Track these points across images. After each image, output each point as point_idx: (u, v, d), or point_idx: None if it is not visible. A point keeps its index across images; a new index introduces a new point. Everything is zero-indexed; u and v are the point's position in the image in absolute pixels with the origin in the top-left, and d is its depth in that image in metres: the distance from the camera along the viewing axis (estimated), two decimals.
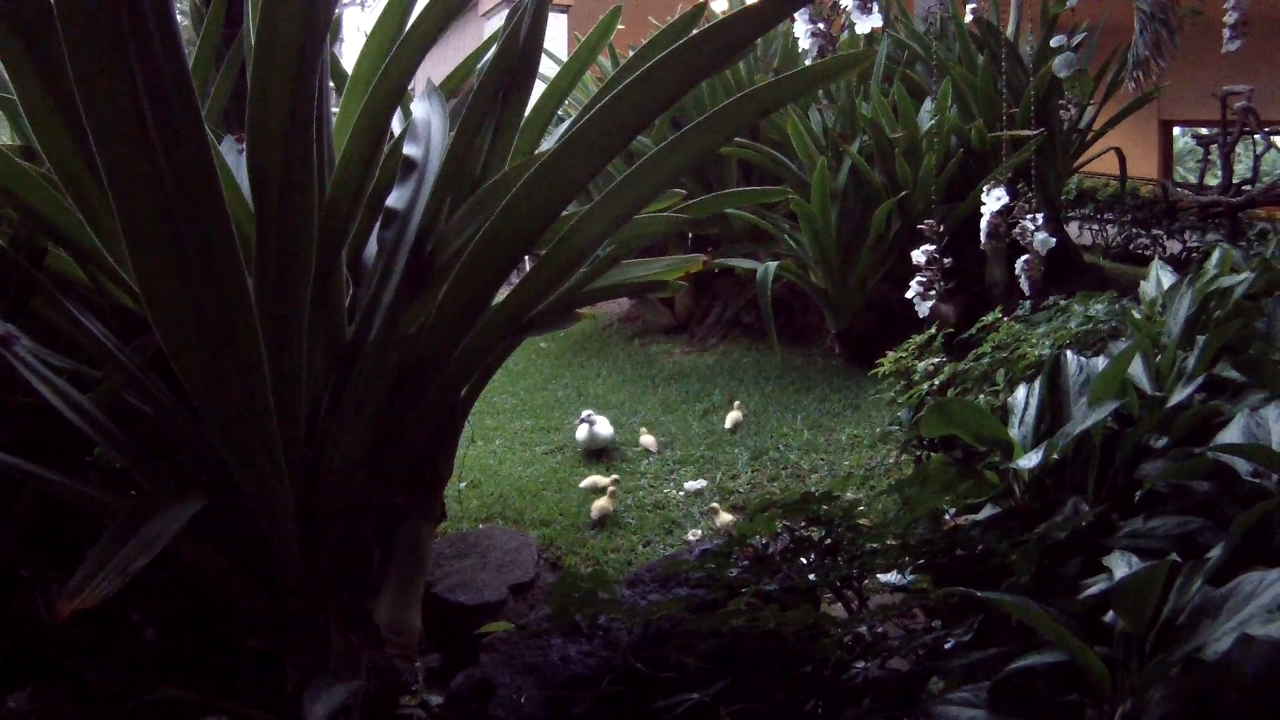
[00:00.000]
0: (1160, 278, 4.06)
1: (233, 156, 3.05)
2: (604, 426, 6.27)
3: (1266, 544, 2.15)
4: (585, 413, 6.34)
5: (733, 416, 6.78)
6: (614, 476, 5.58)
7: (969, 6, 8.06)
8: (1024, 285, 5.58)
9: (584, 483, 5.52)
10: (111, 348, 2.65)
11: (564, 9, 15.24)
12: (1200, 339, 2.94)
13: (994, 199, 5.54)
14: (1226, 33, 6.43)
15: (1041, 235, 5.49)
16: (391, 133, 3.18)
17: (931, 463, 3.08)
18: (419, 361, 2.80)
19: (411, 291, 2.92)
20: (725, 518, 4.90)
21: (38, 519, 2.88)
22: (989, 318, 4.74)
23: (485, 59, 3.41)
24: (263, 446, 2.43)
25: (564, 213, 2.70)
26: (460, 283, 2.66)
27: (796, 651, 2.57)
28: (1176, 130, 19.98)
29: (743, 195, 5.71)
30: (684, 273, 3.63)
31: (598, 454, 6.28)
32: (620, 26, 4.09)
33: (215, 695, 2.93)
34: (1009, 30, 8.55)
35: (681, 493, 5.52)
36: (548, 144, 3.55)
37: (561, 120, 4.36)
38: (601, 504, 5.14)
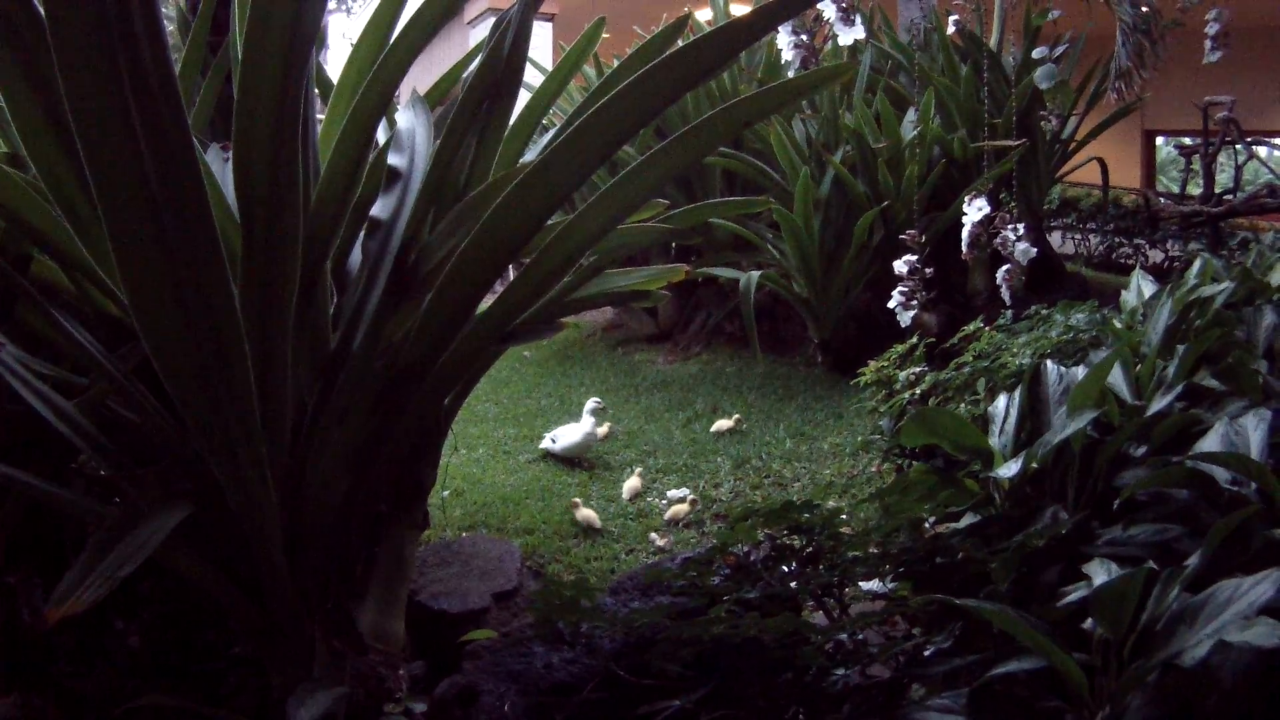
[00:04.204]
0: (1141, 287, 4.09)
1: (218, 165, 3.05)
2: (583, 434, 6.28)
3: (1244, 551, 2.16)
4: (594, 401, 6.39)
5: (721, 422, 6.81)
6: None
7: (952, 18, 8.10)
8: (1005, 295, 5.60)
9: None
10: (97, 355, 2.65)
11: (549, 18, 15.26)
12: (1180, 348, 2.96)
13: (976, 209, 5.55)
14: (1208, 44, 6.47)
15: (1023, 245, 5.51)
16: (376, 142, 3.19)
17: (912, 471, 3.10)
18: (403, 370, 2.81)
19: (395, 301, 2.93)
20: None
21: (22, 526, 2.88)
22: (970, 327, 4.77)
23: (470, 68, 3.42)
24: (248, 454, 2.43)
25: (548, 222, 2.71)
26: (444, 292, 2.66)
27: (778, 658, 2.58)
28: (1159, 140, 20.06)
29: (726, 205, 5.69)
30: (667, 282, 3.64)
31: (573, 461, 6.29)
32: (605, 36, 4.10)
33: (200, 702, 2.93)
34: (992, 41, 8.58)
35: (664, 501, 5.52)
36: (532, 153, 3.56)
37: (546, 130, 4.37)
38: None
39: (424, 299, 2.75)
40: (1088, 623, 2.06)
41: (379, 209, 3.07)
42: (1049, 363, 3.11)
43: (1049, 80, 7.08)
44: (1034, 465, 2.66)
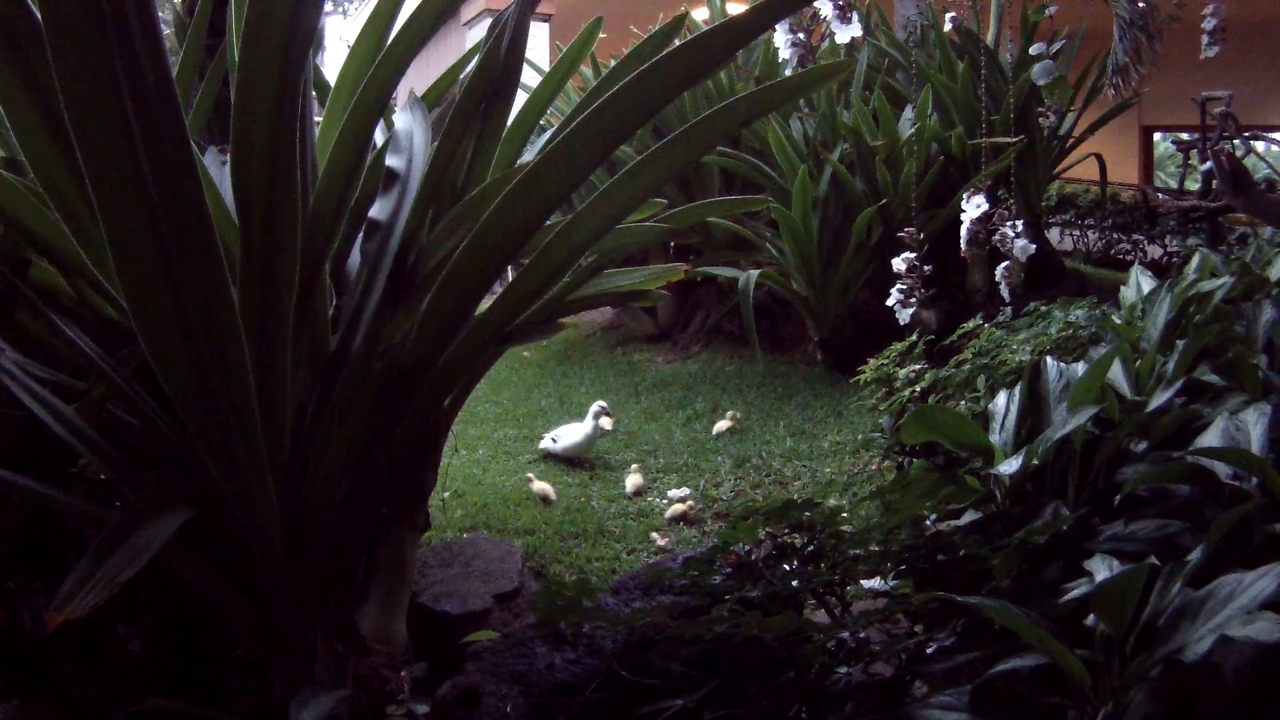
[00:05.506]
0: (1140, 283, 4.09)
1: (216, 168, 3.05)
2: (584, 434, 6.27)
3: (1245, 546, 2.16)
4: (599, 404, 6.36)
5: (721, 422, 6.81)
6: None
7: (949, 15, 8.10)
8: (1004, 291, 5.59)
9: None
10: (96, 359, 2.65)
11: (546, 18, 15.27)
12: (1180, 343, 2.96)
13: (974, 206, 5.55)
14: (1205, 39, 6.46)
15: (1022, 242, 5.51)
16: (374, 143, 3.19)
17: (913, 469, 3.10)
18: (402, 372, 2.81)
19: (394, 302, 2.93)
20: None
21: (23, 531, 2.88)
22: (970, 324, 4.76)
23: (467, 70, 3.42)
24: (248, 457, 2.43)
25: (546, 222, 2.71)
26: (443, 293, 2.66)
27: (780, 657, 2.58)
28: (1157, 136, 20.04)
29: (724, 204, 5.70)
30: (666, 282, 3.64)
31: (574, 461, 6.29)
32: (602, 36, 4.10)
33: (202, 705, 2.94)
34: (989, 38, 8.58)
35: (665, 500, 5.52)
36: (530, 154, 3.56)
37: (544, 130, 4.37)
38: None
39: (423, 300, 2.75)
40: (1090, 619, 2.06)
41: (377, 210, 3.07)
42: (1049, 359, 3.11)
43: (1046, 76, 7.09)
44: (1035, 462, 2.65)
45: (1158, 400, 2.74)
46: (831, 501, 4.93)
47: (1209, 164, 9.76)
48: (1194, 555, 2.05)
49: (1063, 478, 2.76)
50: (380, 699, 2.96)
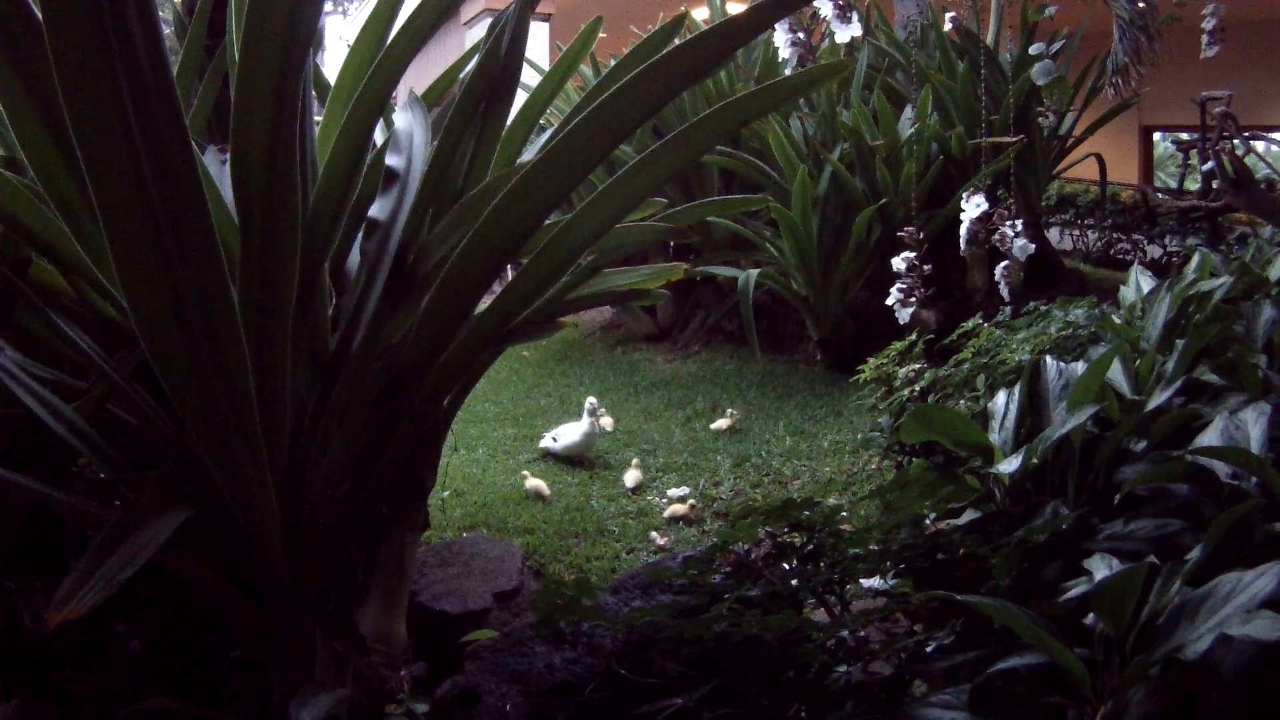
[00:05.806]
0: (1140, 282, 4.09)
1: (216, 168, 3.05)
2: (583, 433, 6.27)
3: (1245, 545, 2.17)
4: (590, 401, 6.34)
5: (721, 421, 6.81)
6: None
7: (948, 14, 8.11)
8: (1004, 291, 5.60)
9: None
10: (96, 358, 2.65)
11: (545, 18, 15.26)
12: (1179, 343, 2.96)
13: (974, 205, 5.55)
14: (1205, 39, 6.47)
15: (1021, 241, 5.51)
16: (374, 143, 3.18)
17: (913, 468, 3.10)
18: (402, 371, 2.81)
19: (394, 302, 2.92)
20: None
21: (23, 530, 2.88)
22: (969, 324, 4.76)
23: (467, 69, 3.42)
24: (248, 457, 2.43)
25: (546, 222, 2.71)
26: (443, 292, 2.66)
27: (779, 656, 2.58)
28: (1157, 136, 20.03)
29: (724, 204, 5.71)
30: (665, 281, 3.63)
31: (574, 460, 6.29)
32: (602, 35, 4.10)
33: (202, 705, 2.93)
34: (988, 38, 8.58)
35: (665, 500, 5.52)
36: (529, 153, 3.56)
37: (543, 130, 4.37)
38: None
39: (423, 300, 2.75)
40: (1089, 618, 2.06)
41: (377, 210, 3.07)
42: (1048, 359, 3.11)
43: (1046, 76, 7.09)
44: (1034, 461, 2.65)
45: (1157, 400, 2.74)
46: (831, 501, 4.94)
47: (1209, 164, 9.77)
48: (1193, 554, 2.05)
49: (1062, 477, 2.76)
50: (380, 698, 2.95)
